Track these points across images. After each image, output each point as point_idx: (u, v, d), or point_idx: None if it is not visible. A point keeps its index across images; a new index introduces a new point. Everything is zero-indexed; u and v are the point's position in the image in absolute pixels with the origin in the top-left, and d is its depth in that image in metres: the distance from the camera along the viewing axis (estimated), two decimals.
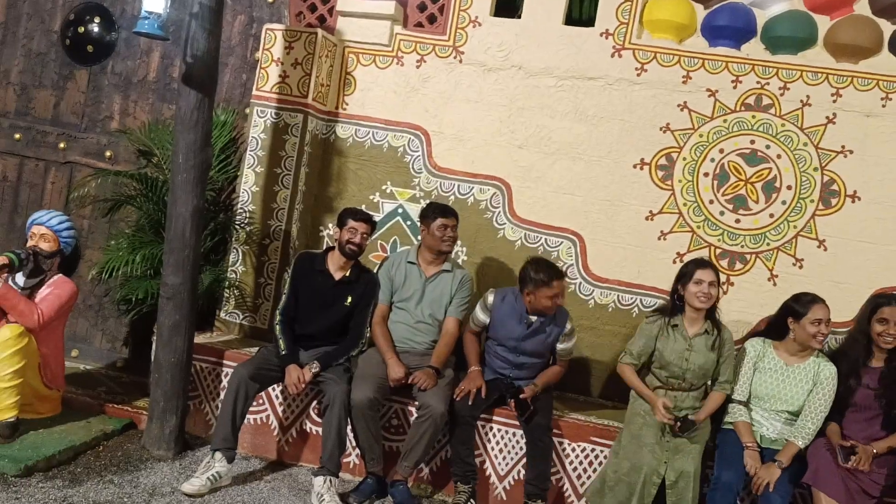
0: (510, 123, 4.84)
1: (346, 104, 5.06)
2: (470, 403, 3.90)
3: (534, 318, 4.00)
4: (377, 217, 4.74)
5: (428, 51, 4.94)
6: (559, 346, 4.10)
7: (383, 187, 5.01)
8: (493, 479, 4.15)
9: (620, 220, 4.72)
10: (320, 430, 4.11)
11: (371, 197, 5.01)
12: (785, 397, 3.70)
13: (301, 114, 4.83)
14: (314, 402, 4.30)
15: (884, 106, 4.40)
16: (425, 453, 3.97)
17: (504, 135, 4.85)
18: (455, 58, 4.91)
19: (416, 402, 4.02)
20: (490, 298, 4.11)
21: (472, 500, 3.91)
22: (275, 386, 4.24)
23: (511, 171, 4.84)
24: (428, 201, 4.67)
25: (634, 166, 4.70)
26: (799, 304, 3.75)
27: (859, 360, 3.71)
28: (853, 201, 4.48)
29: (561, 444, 4.07)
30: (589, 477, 4.04)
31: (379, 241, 4.99)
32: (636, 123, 4.68)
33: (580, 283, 4.74)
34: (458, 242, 4.74)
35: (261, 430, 4.36)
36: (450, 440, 4.00)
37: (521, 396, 3.90)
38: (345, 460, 4.09)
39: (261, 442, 4.37)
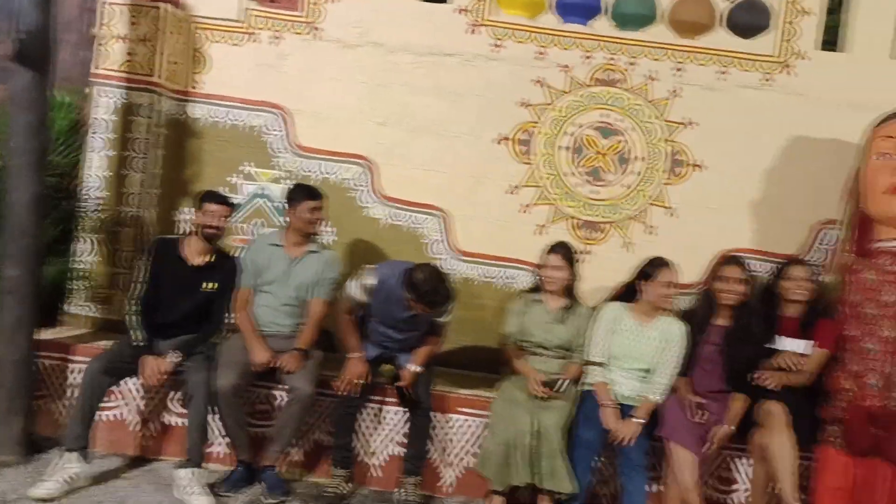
0: (371, 101, 4.80)
1: (200, 83, 4.86)
2: (357, 395, 3.88)
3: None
4: (238, 199, 4.62)
5: (283, 27, 4.82)
6: (441, 318, 4.12)
7: (243, 168, 4.86)
8: (363, 457, 4.13)
9: (484, 195, 4.79)
10: (183, 421, 3.97)
11: (230, 179, 4.85)
12: (639, 356, 3.89)
13: (150, 93, 4.60)
14: (175, 394, 4.12)
15: (721, 80, 4.69)
16: (294, 437, 3.91)
17: (366, 112, 4.81)
18: (312, 35, 4.81)
19: (284, 386, 3.94)
20: (369, 280, 3.90)
21: (348, 484, 3.90)
22: (133, 379, 4.03)
23: (374, 148, 4.81)
24: (293, 182, 4.57)
25: (495, 141, 4.78)
26: (649, 268, 3.95)
27: (706, 319, 3.94)
28: (698, 170, 4.75)
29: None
30: (456, 446, 4.09)
31: (241, 224, 4.84)
32: (495, 99, 4.76)
33: (447, 258, 4.78)
34: (325, 223, 4.71)
35: (118, 426, 4.13)
36: (334, 426, 3.98)
37: (398, 384, 3.90)
38: (212, 450, 3.98)
39: (119, 438, 4.13)
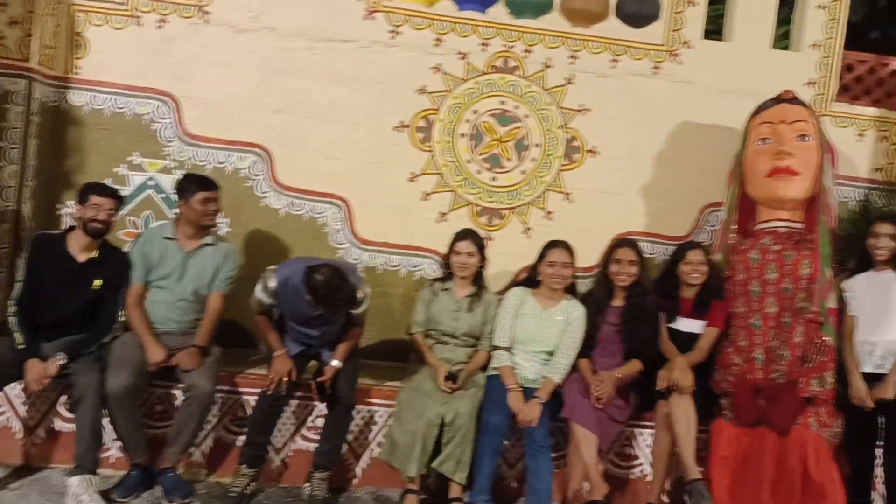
0: (266, 87, 4.67)
1: (79, 68, 4.58)
2: (283, 393, 3.76)
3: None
4: (125, 191, 4.39)
5: (169, 10, 4.60)
6: (354, 311, 4.04)
7: (130, 158, 4.63)
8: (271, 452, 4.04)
9: (384, 183, 4.75)
10: (72, 427, 3.75)
11: (116, 169, 4.61)
12: (543, 339, 3.98)
13: (24, 79, 4.30)
14: (64, 398, 3.89)
15: (613, 67, 4.82)
16: (195, 437, 3.79)
17: (260, 99, 4.67)
18: (200, 18, 4.62)
19: (182, 385, 3.80)
20: (271, 283, 3.76)
21: (252, 484, 3.79)
22: (15, 385, 3.77)
23: (271, 136, 4.68)
24: (184, 172, 4.36)
25: (395, 129, 4.75)
26: (543, 250, 4.06)
27: (602, 300, 4.07)
28: (592, 156, 4.87)
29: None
30: (362, 437, 4.07)
31: (129, 217, 4.62)
32: (393, 86, 4.72)
33: (349, 247, 4.72)
34: (220, 214, 4.55)
35: (2, 435, 3.89)
36: (250, 420, 3.85)
37: (319, 380, 3.79)
38: (104, 455, 3.78)
39: (3, 447, 3.89)
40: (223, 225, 4.66)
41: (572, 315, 3.99)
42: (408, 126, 4.76)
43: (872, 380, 3.85)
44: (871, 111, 5.01)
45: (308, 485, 3.82)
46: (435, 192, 4.81)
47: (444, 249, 4.67)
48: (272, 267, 3.85)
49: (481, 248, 4.10)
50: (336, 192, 4.74)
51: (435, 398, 3.77)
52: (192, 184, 3.95)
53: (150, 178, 4.65)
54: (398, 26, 4.69)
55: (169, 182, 4.60)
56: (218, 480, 3.96)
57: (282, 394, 3.76)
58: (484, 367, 4.03)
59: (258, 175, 4.70)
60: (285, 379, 3.73)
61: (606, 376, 3.84)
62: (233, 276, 4.05)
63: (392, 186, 4.77)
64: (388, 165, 4.77)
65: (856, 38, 6.11)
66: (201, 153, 4.66)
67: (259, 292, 3.83)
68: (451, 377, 3.81)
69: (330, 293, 3.55)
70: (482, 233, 4.68)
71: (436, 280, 4.21)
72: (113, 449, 3.90)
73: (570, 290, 4.13)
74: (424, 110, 4.76)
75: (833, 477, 3.73)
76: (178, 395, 3.89)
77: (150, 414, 3.90)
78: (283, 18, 4.64)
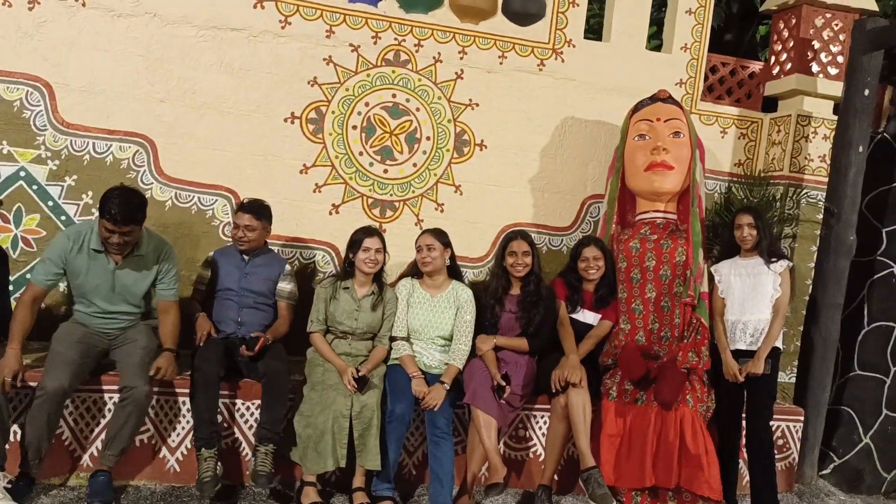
0: (149, 75, 4.49)
1: None
2: (201, 344, 3.80)
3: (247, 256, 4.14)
4: None
5: None
6: (280, 285, 4.15)
7: None
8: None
9: (275, 175, 4.69)
10: None
11: None
12: (436, 325, 4.08)
13: None
14: None
15: (501, 63, 4.96)
16: (132, 438, 3.66)
17: (143, 87, 4.48)
18: (77, 1, 4.37)
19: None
20: (210, 255, 4.20)
21: (219, 465, 3.66)
22: None
23: (154, 126, 4.51)
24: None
25: (285, 120, 4.69)
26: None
27: (499, 290, 4.21)
28: (481, 149, 5.00)
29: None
30: None
31: None
32: (284, 77, 4.66)
33: None
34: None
35: None
36: (192, 402, 3.73)
37: (252, 335, 3.87)
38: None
39: None
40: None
41: (461, 299, 4.12)
42: (299, 117, 4.71)
43: (744, 356, 4.19)
44: (733, 110, 5.43)
45: (254, 459, 3.74)
46: (327, 185, 4.79)
47: (336, 242, 4.71)
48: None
49: (385, 245, 4.13)
50: (225, 183, 4.64)
51: (340, 391, 3.78)
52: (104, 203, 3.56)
53: (22, 169, 4.36)
54: (289, 16, 4.63)
55: (41, 172, 4.36)
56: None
57: (211, 361, 3.74)
58: (385, 361, 4.08)
59: (140, 166, 4.52)
60: (205, 333, 3.86)
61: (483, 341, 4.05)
62: (174, 273, 3.89)
63: (283, 178, 4.71)
64: (278, 157, 4.71)
65: (714, 40, 6.59)
66: (78, 142, 4.43)
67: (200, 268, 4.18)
68: (359, 383, 3.78)
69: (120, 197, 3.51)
70: (375, 225, 4.77)
71: (334, 277, 4.17)
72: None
73: (456, 275, 4.25)
74: (316, 102, 4.73)
75: (708, 448, 4.04)
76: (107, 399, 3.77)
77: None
78: (167, 4, 4.47)
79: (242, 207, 4.14)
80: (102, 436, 3.75)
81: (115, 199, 3.51)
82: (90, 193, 4.43)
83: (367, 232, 4.09)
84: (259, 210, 4.14)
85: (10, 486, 3.45)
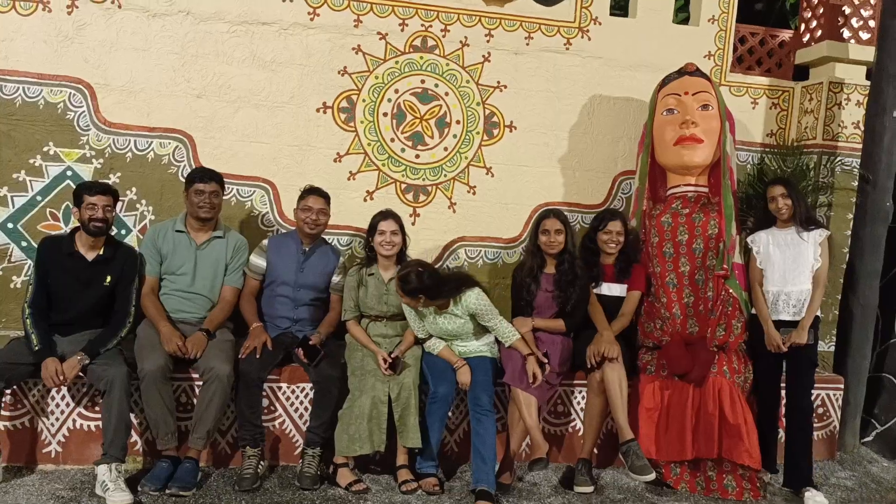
0: (185, 72, 4.61)
1: None
2: (258, 357, 3.87)
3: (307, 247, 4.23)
4: (43, 182, 4.39)
5: None
6: (334, 278, 4.26)
7: (45, 149, 4.50)
8: (296, 436, 4.14)
9: (310, 164, 4.80)
10: (88, 424, 3.88)
11: (32, 161, 4.47)
12: (449, 332, 4.04)
13: None
14: (85, 397, 3.92)
15: (528, 44, 5.00)
16: (217, 420, 3.83)
17: (180, 84, 4.62)
18: (113, 2, 4.51)
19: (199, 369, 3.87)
20: (265, 243, 4.25)
21: (262, 463, 3.89)
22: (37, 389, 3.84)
23: (192, 121, 4.64)
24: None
25: (317, 110, 4.79)
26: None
27: (534, 269, 4.27)
28: (511, 131, 5.05)
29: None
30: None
31: (49, 209, 4.51)
32: (315, 68, 4.75)
33: (277, 229, 4.76)
34: (144, 202, 4.64)
35: (21, 436, 3.86)
36: (236, 403, 3.89)
37: (310, 342, 3.95)
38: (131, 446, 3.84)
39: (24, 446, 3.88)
40: (146, 213, 4.63)
41: (470, 306, 3.97)
42: (330, 107, 4.81)
43: (787, 326, 4.19)
44: (763, 80, 5.39)
45: (301, 461, 3.93)
46: (360, 172, 4.89)
47: None
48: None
49: (403, 227, 4.20)
50: (261, 174, 4.76)
51: (378, 376, 3.90)
52: (193, 175, 4.11)
53: (68, 168, 4.53)
54: (317, 7, 4.71)
55: (87, 172, 4.52)
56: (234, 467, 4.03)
57: (257, 365, 3.85)
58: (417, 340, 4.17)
59: (181, 161, 4.66)
60: (260, 345, 3.91)
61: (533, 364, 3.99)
62: (244, 267, 4.21)
63: (317, 167, 4.81)
64: (312, 147, 4.82)
65: (743, 10, 6.52)
66: (120, 141, 4.58)
67: (253, 257, 4.21)
68: (392, 366, 3.90)
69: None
70: (408, 209, 4.87)
71: (360, 265, 4.27)
72: (141, 441, 3.97)
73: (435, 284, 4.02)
74: (346, 91, 4.82)
75: (747, 418, 4.08)
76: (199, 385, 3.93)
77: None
78: (200, 2, 4.58)
79: (314, 191, 4.22)
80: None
81: (197, 168, 4.34)
82: (133, 190, 4.59)
83: (382, 215, 4.16)
84: (328, 195, 4.27)
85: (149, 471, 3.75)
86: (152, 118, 4.60)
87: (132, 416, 3.78)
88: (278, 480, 3.92)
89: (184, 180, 4.25)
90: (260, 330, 4.04)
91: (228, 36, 4.64)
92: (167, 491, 3.60)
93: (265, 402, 4.04)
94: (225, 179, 4.58)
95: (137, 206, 4.60)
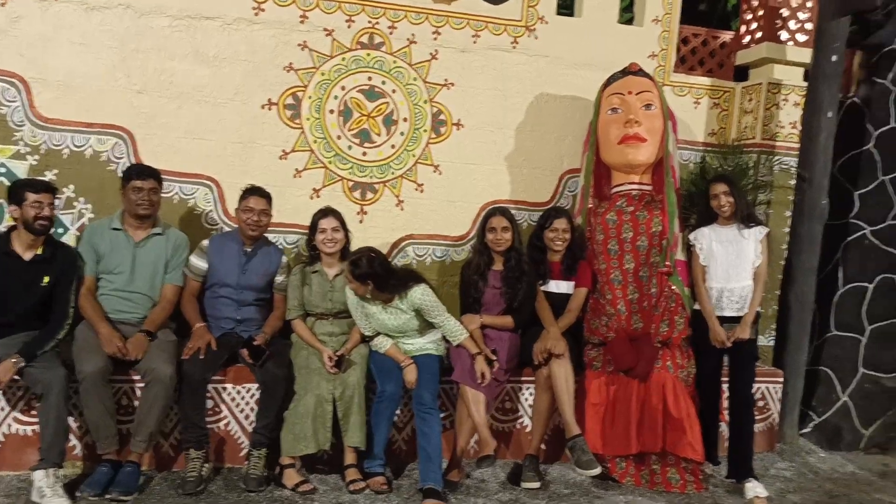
0: (125, 67, 4.50)
1: None
2: (202, 358, 3.79)
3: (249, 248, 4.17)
4: None
5: None
6: (278, 278, 4.21)
7: None
8: (241, 437, 4.08)
9: (255, 162, 4.73)
10: (24, 429, 3.77)
11: None
12: (394, 328, 4.06)
13: None
14: (20, 400, 3.80)
15: (475, 42, 5.01)
16: (159, 423, 3.75)
17: (119, 80, 4.50)
18: None
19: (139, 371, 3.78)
20: (204, 244, 4.14)
21: (206, 466, 3.82)
22: None
23: (132, 118, 4.53)
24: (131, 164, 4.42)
25: (263, 107, 4.73)
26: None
27: (482, 266, 4.29)
28: (458, 129, 5.06)
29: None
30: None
31: None
32: (260, 64, 4.69)
33: (221, 227, 4.68)
34: (83, 200, 4.53)
35: None
36: (179, 405, 3.81)
37: (255, 343, 3.88)
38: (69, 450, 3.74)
39: None
40: (84, 211, 4.52)
41: (415, 301, 3.98)
42: (276, 104, 4.75)
43: (729, 322, 4.28)
44: (705, 80, 5.49)
45: (247, 463, 3.89)
46: (307, 169, 4.83)
47: None
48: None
49: (344, 224, 4.20)
50: (205, 172, 4.67)
51: (323, 375, 3.88)
52: (130, 172, 4.01)
53: (2, 165, 4.39)
54: (262, 3, 4.65)
55: (21, 168, 4.39)
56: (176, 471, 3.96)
57: (201, 366, 3.77)
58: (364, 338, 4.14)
59: (120, 157, 4.54)
60: (204, 346, 3.84)
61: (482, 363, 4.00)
62: (185, 265, 4.12)
63: (263, 165, 4.75)
64: (257, 144, 4.74)
65: (688, 11, 6.64)
66: (57, 137, 4.45)
67: (193, 258, 4.10)
68: (337, 365, 3.88)
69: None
70: (356, 207, 4.84)
71: (304, 263, 4.26)
72: (80, 445, 3.87)
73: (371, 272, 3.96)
74: (292, 87, 4.76)
75: (690, 412, 4.16)
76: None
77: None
78: None
79: (256, 191, 4.16)
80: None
81: (134, 165, 4.25)
82: (71, 187, 4.47)
83: (322, 213, 4.17)
84: (269, 195, 4.21)
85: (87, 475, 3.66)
86: (90, 114, 4.48)
87: (71, 419, 3.69)
88: (223, 483, 3.87)
89: (121, 177, 4.13)
90: (203, 330, 3.96)
91: (170, 31, 4.54)
92: (107, 496, 3.53)
93: (210, 403, 3.98)
94: (168, 177, 4.52)
95: (75, 203, 4.48)
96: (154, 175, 4.02)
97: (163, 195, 4.52)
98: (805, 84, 5.12)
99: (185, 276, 4.10)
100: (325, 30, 4.76)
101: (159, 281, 4.03)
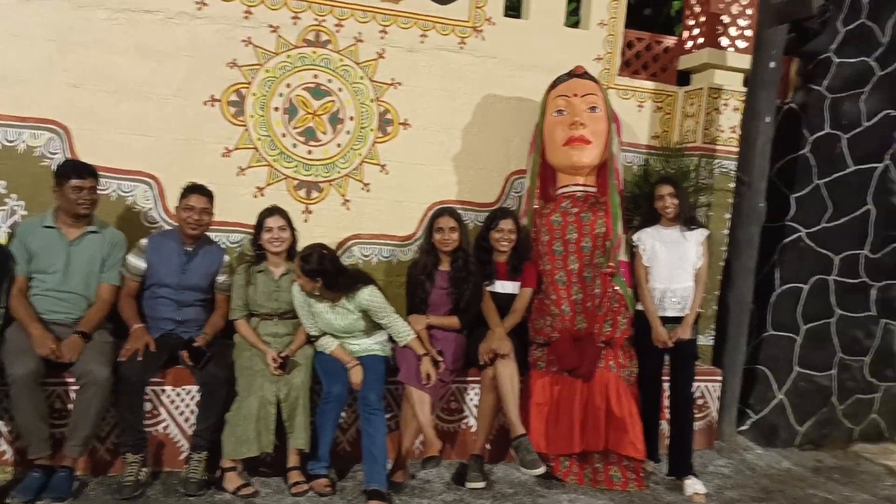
0: (62, 61, 4.36)
1: None
2: (140, 359, 3.68)
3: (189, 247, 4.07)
4: None
5: None
6: (220, 278, 4.12)
7: None
8: (181, 440, 3.98)
9: (197, 159, 4.63)
10: None
11: None
12: (342, 328, 4.02)
13: None
14: None
15: (422, 42, 5.00)
16: (95, 427, 3.64)
17: (56, 73, 4.36)
18: None
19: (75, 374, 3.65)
20: (143, 242, 4.02)
21: (144, 470, 3.73)
22: None
23: (69, 112, 4.39)
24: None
25: (205, 103, 4.63)
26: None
27: (429, 266, 4.29)
28: (405, 128, 5.04)
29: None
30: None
31: None
32: (203, 59, 4.59)
33: (161, 225, 4.57)
34: (15, 196, 4.37)
35: None
36: (117, 408, 3.71)
37: (195, 344, 3.80)
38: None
39: None
40: (17, 208, 4.37)
41: (362, 302, 3.96)
42: (219, 100, 4.66)
43: (671, 322, 4.36)
44: (649, 84, 5.58)
45: (186, 466, 3.80)
46: (251, 167, 4.76)
47: None
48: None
49: (291, 223, 4.16)
50: (145, 169, 4.56)
51: (266, 376, 3.82)
52: (66, 170, 3.85)
53: None
54: None
55: None
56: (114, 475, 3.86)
57: (140, 368, 3.67)
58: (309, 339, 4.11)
59: (55, 153, 4.40)
60: (142, 347, 3.73)
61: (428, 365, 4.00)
62: (122, 263, 4.00)
63: (205, 162, 4.65)
64: (200, 141, 4.64)
65: (633, 16, 6.74)
66: None
67: (131, 258, 3.97)
68: (282, 366, 3.83)
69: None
70: (301, 206, 4.79)
71: (249, 263, 4.19)
72: (10, 450, 3.74)
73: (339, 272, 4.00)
74: (236, 84, 4.68)
75: (632, 411, 4.23)
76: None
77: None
78: None
79: (197, 189, 4.06)
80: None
81: (69, 161, 4.06)
82: (3, 183, 4.31)
83: (269, 212, 4.12)
84: (211, 193, 4.11)
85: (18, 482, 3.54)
86: (25, 108, 4.33)
87: (1, 423, 3.57)
88: (162, 487, 3.79)
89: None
90: (142, 331, 3.86)
91: (109, 24, 4.41)
92: (39, 502, 3.42)
93: (148, 405, 3.89)
94: (105, 174, 4.40)
95: (7, 200, 4.33)
96: (93, 173, 3.91)
97: (100, 192, 4.41)
98: (744, 90, 5.24)
99: (122, 276, 3.99)
100: (271, 26, 4.69)
101: (95, 280, 3.91)
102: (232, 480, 3.75)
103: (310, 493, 3.80)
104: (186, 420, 3.99)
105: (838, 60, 5.29)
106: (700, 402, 4.97)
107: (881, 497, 4.43)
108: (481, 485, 4.10)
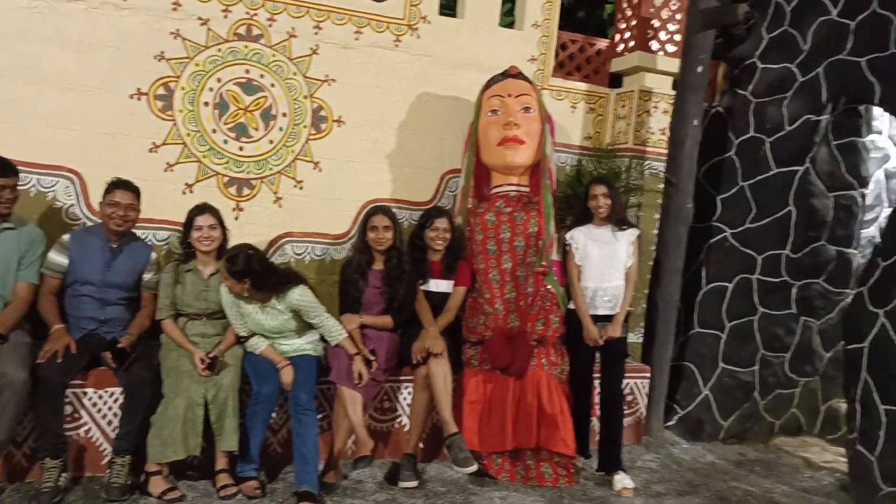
0: None
1: None
2: (60, 361, 3.53)
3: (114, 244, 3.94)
4: None
5: None
6: (146, 276, 4.00)
7: None
8: (104, 444, 3.85)
9: (123, 154, 4.49)
10: None
11: None
12: (272, 328, 3.96)
13: None
14: None
15: (357, 39, 4.96)
16: (11, 431, 3.47)
17: None
18: None
19: None
20: (65, 238, 3.87)
21: (64, 475, 3.58)
22: None
23: None
24: None
25: (131, 96, 4.50)
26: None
27: (362, 265, 4.27)
28: (339, 125, 4.99)
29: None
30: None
31: None
32: (129, 51, 4.45)
33: (84, 222, 4.42)
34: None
35: None
36: (34, 411, 3.55)
37: (119, 345, 3.67)
38: None
39: None
40: None
41: (293, 302, 3.91)
42: (146, 94, 4.53)
43: (602, 320, 4.43)
44: (582, 86, 5.66)
45: (109, 471, 3.67)
46: (179, 163, 4.64)
47: None
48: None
49: (222, 221, 4.08)
50: (67, 164, 4.40)
51: (194, 377, 3.73)
52: None
53: None
54: None
55: None
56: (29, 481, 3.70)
57: (59, 369, 3.53)
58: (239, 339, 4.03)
59: None
60: (62, 349, 3.58)
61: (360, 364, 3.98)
62: (41, 260, 3.83)
63: (131, 157, 4.51)
64: (125, 135, 4.50)
65: (567, 18, 6.83)
66: None
67: (52, 255, 3.83)
68: (210, 367, 3.76)
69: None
70: (231, 203, 4.70)
71: (177, 261, 4.09)
72: None
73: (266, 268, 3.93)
74: (164, 77, 4.56)
75: (563, 408, 4.29)
76: None
77: None
78: None
79: (122, 185, 3.92)
80: None
81: None
82: None
83: (199, 210, 4.04)
84: (137, 189, 3.98)
85: None
86: None
87: None
88: (83, 493, 3.66)
89: None
90: (62, 332, 3.71)
91: (29, 12, 4.24)
92: None
93: (68, 409, 3.76)
94: (24, 168, 4.22)
95: None
96: (15, 171, 3.74)
97: (19, 188, 4.25)
98: (673, 93, 5.36)
99: (42, 274, 3.84)
100: (200, 19, 4.58)
101: (11, 279, 3.74)
102: (157, 484, 3.65)
103: (239, 496, 3.73)
104: (109, 423, 3.86)
105: (762, 66, 5.46)
106: (629, 398, 5.07)
107: (799, 488, 4.60)
108: (414, 484, 4.09)
